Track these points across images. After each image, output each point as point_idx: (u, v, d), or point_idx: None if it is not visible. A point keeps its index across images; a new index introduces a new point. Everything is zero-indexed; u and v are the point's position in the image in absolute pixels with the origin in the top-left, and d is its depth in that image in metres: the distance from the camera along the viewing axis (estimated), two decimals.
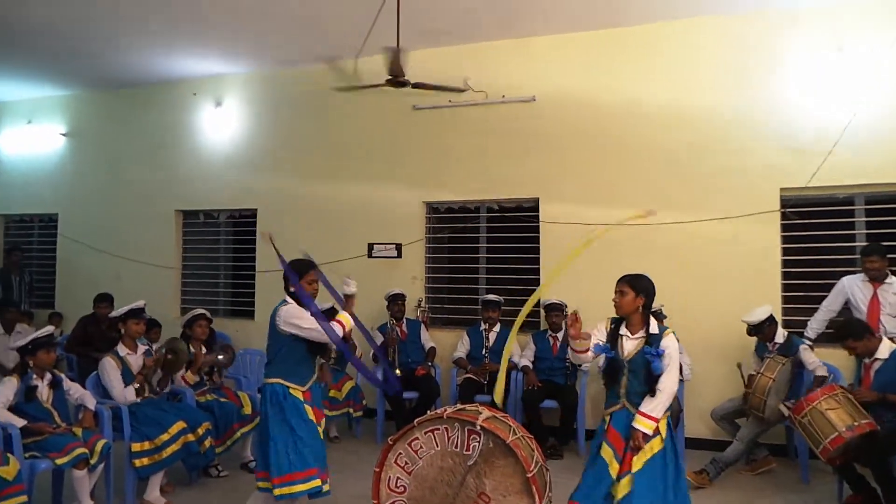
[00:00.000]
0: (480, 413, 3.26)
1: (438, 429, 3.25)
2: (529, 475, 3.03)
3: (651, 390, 3.10)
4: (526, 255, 6.24)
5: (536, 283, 6.13)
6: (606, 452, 3.12)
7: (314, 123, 7.06)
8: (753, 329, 4.94)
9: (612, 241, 5.72)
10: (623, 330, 3.26)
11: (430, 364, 5.94)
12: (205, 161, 7.59)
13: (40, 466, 3.72)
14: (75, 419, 4.13)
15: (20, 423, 3.76)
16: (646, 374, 3.11)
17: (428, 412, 4.20)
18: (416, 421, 3.31)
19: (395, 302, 6.07)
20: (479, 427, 3.13)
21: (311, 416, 3.60)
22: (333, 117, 6.95)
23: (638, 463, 3.04)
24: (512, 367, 5.73)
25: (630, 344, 3.22)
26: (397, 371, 5.77)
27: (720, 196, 5.55)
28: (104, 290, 6.66)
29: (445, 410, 3.32)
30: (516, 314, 6.07)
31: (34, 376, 4.01)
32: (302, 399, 3.58)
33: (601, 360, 3.34)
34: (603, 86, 5.95)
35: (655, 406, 3.07)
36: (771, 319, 4.90)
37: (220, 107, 7.47)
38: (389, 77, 4.92)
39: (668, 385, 3.10)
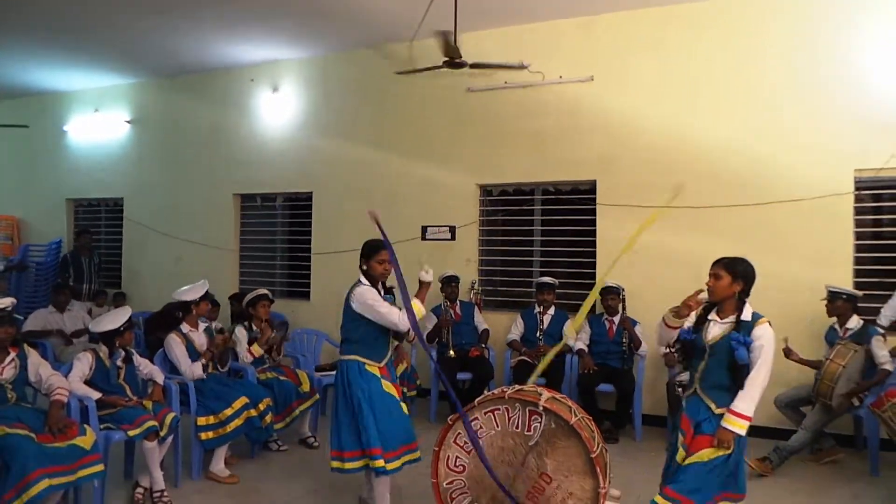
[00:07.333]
0: (541, 394, 3.23)
1: (499, 409, 3.23)
2: (593, 455, 2.99)
3: (734, 380, 2.90)
4: (582, 237, 6.15)
5: (592, 265, 6.05)
6: (680, 440, 3.01)
7: (368, 107, 7.10)
8: (830, 298, 4.78)
9: (674, 225, 5.62)
10: (712, 315, 3.06)
11: (483, 346, 5.94)
12: (262, 145, 7.73)
13: (114, 437, 3.87)
14: (145, 394, 4.29)
15: (96, 395, 3.92)
16: (728, 362, 2.90)
17: (485, 393, 4.21)
18: (476, 401, 3.31)
19: (449, 284, 6.09)
20: (541, 408, 3.11)
21: (391, 391, 3.59)
22: (388, 101, 6.97)
23: (706, 456, 2.90)
24: (567, 350, 5.69)
25: (717, 328, 3.01)
26: (451, 353, 5.80)
27: (789, 178, 5.33)
28: (167, 271, 6.89)
29: (505, 391, 3.30)
30: (571, 296, 6.11)
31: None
32: (378, 374, 3.58)
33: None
34: (664, 64, 5.78)
35: (748, 403, 2.86)
36: (850, 298, 4.73)
37: (276, 92, 7.59)
38: (446, 59, 4.91)
39: (760, 379, 2.86)
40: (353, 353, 3.60)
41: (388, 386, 3.59)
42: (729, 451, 2.89)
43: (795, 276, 5.22)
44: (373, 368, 3.58)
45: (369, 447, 3.44)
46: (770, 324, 2.94)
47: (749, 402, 2.86)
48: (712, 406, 2.96)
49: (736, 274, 2.98)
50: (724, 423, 2.88)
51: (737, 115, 5.54)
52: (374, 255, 3.65)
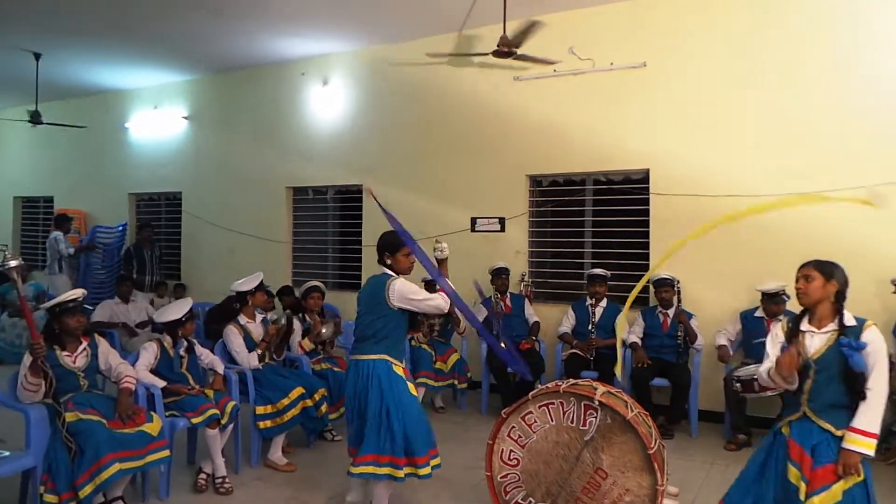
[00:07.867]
0: (596, 388, 3.20)
1: (553, 403, 3.22)
2: (651, 451, 2.95)
3: (855, 392, 2.54)
4: (634, 228, 6.03)
5: (645, 256, 5.92)
6: (793, 474, 2.63)
7: (417, 99, 7.12)
8: None
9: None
10: (805, 325, 2.71)
11: (534, 339, 5.91)
12: (313, 139, 7.85)
13: (179, 424, 4.02)
14: (206, 383, 4.43)
15: (161, 383, 4.09)
16: (843, 373, 2.55)
17: (537, 386, 4.19)
18: (530, 395, 3.30)
19: (499, 276, 6.07)
20: (597, 402, 3.08)
21: (414, 392, 3.50)
22: (436, 92, 6.97)
23: (839, 492, 2.55)
24: (620, 343, 5.59)
25: (818, 339, 2.65)
26: (502, 345, 5.78)
27: (856, 162, 5.08)
28: (223, 263, 7.10)
29: (560, 385, 3.28)
30: (623, 289, 6.01)
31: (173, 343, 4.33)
32: (402, 375, 3.48)
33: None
34: (719, 47, 5.58)
35: (872, 418, 2.51)
36: None
37: (326, 85, 7.69)
38: (496, 48, 4.87)
39: (882, 389, 2.52)
40: (381, 351, 3.43)
41: (412, 388, 3.51)
42: (861, 478, 2.55)
43: (862, 266, 4.97)
44: (398, 369, 3.47)
45: (393, 454, 3.32)
46: (877, 328, 2.62)
47: (874, 416, 2.52)
48: (832, 429, 2.60)
49: (829, 274, 2.67)
50: (846, 445, 2.52)
51: (801, 100, 5.30)
52: (401, 249, 3.51)
